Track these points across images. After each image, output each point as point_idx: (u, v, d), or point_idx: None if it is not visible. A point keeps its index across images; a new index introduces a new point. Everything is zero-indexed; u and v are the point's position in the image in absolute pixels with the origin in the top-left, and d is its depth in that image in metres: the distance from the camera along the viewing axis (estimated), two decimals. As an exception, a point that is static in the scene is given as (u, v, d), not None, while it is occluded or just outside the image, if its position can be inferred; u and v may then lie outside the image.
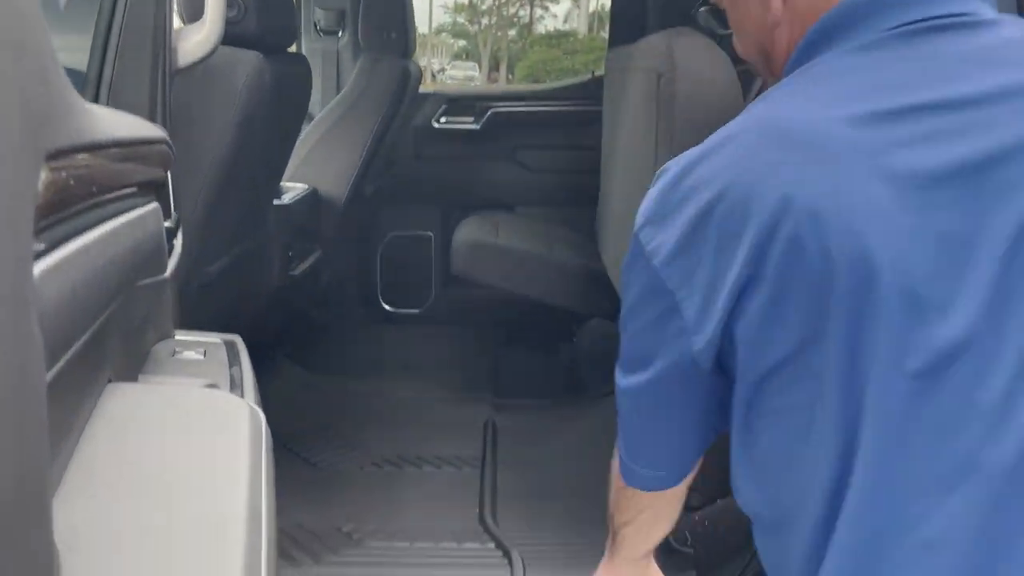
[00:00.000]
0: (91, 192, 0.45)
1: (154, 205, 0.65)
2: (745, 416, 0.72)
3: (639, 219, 0.73)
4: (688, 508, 1.55)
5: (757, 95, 1.77)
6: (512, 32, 29.03)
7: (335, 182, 2.36)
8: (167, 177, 0.78)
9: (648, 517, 1.01)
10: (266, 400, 2.30)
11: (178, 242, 0.87)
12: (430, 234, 3.02)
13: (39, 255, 0.36)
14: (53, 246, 0.38)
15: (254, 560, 0.43)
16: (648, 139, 1.53)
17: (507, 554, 1.60)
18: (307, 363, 2.49)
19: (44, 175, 0.35)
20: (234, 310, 1.92)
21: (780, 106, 0.69)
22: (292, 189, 2.24)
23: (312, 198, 2.24)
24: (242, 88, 1.47)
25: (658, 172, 0.76)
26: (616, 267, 1.97)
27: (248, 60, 1.48)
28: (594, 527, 1.69)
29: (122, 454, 0.50)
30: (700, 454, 0.86)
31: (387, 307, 3.02)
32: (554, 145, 3.03)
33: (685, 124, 1.45)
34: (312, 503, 1.79)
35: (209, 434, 0.55)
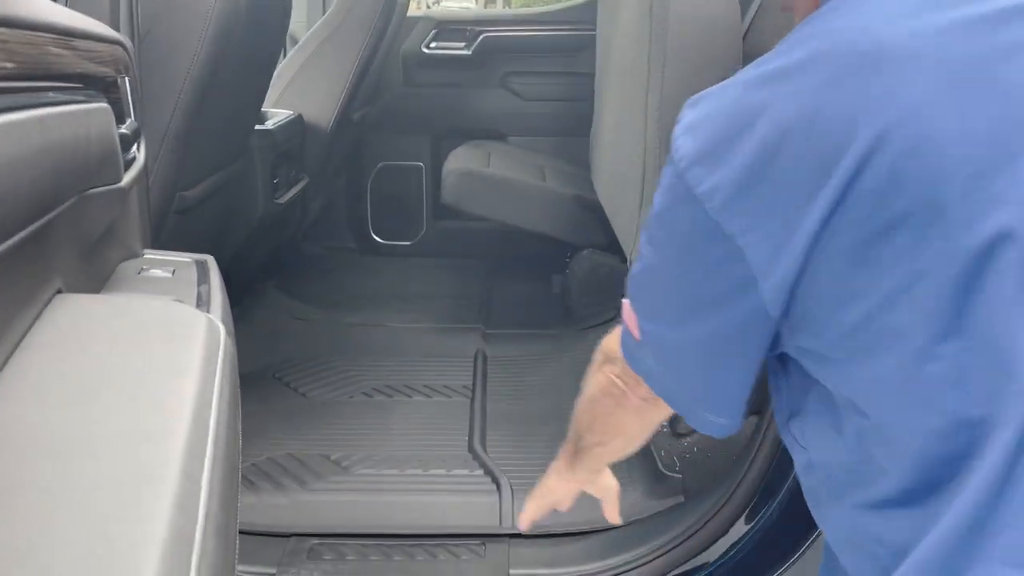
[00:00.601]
0: (6, 70, 0.41)
1: (102, 106, 0.61)
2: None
3: (682, 159, 0.64)
4: (677, 434, 1.55)
5: (755, 15, 1.69)
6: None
7: (321, 108, 2.29)
8: (121, 82, 0.73)
9: (622, 443, 0.99)
10: (254, 330, 2.28)
11: (140, 153, 0.83)
12: (420, 164, 2.96)
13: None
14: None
15: (194, 468, 0.40)
16: (640, 63, 1.47)
17: (496, 480, 1.59)
18: (296, 294, 2.46)
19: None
20: (218, 237, 1.88)
21: (857, 17, 0.59)
22: (276, 115, 2.18)
23: (297, 124, 2.18)
24: (214, 6, 1.40)
25: (692, 100, 0.67)
26: (608, 197, 1.92)
27: (220, -29, 1.41)
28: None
29: (61, 362, 0.47)
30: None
31: (377, 239, 2.98)
32: (547, 72, 2.95)
33: (678, 46, 1.38)
34: (300, 431, 1.78)
35: (159, 344, 0.52)
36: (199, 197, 1.61)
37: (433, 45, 2.91)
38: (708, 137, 0.63)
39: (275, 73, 2.30)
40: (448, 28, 2.91)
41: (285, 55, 2.47)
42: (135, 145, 0.79)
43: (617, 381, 0.89)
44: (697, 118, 0.65)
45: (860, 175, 0.55)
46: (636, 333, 0.77)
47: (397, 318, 2.38)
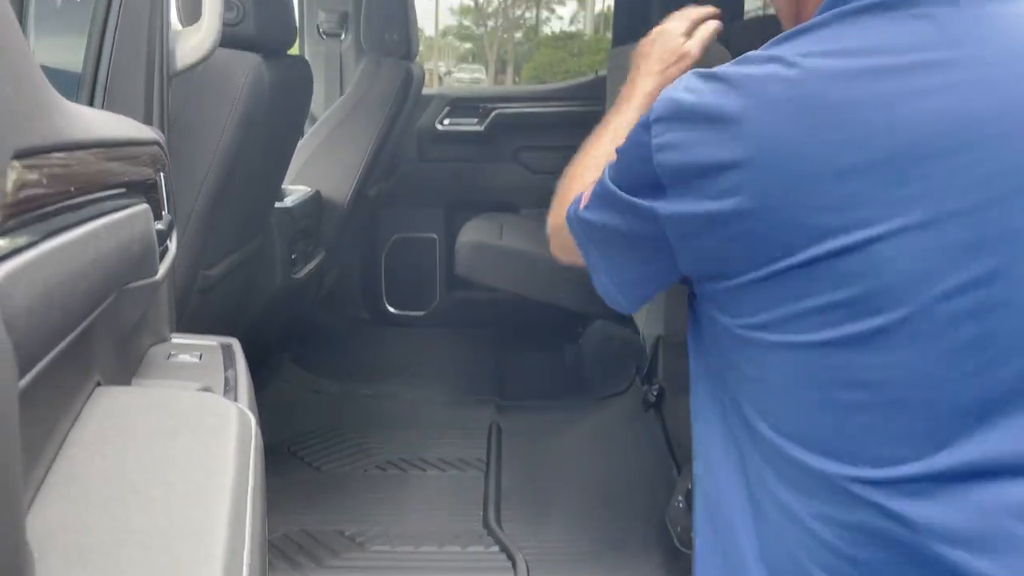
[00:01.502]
0: (69, 192, 0.44)
1: (143, 207, 0.64)
2: None
3: (655, 111, 0.71)
4: (692, 506, 1.54)
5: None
6: (518, 34, 29.03)
7: (338, 184, 2.35)
8: (158, 179, 0.77)
9: None
10: (269, 403, 2.30)
11: (172, 244, 0.86)
12: (434, 236, 3.01)
13: (6, 255, 0.35)
14: (25, 247, 0.37)
15: (235, 564, 0.42)
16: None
17: (511, 557, 1.59)
18: (311, 366, 2.48)
19: (13, 174, 0.34)
20: (237, 313, 1.91)
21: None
22: (295, 192, 2.23)
23: (315, 201, 2.23)
24: (241, 91, 1.46)
25: (702, 72, 0.71)
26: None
27: (247, 63, 1.48)
28: (599, 528, 1.68)
29: (105, 457, 0.50)
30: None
31: (391, 309, 3.01)
32: (558, 146, 3.01)
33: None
34: (315, 507, 1.78)
35: (195, 437, 0.54)
36: (220, 274, 1.65)
37: (447, 122, 2.99)
38: (688, 106, 0.70)
39: (295, 151, 2.37)
40: (461, 105, 3.00)
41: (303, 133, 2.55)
42: (168, 237, 0.83)
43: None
44: (700, 86, 0.70)
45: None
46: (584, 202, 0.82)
47: (411, 390, 2.40)
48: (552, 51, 20.49)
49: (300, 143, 2.42)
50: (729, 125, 0.66)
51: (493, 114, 2.99)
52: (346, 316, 2.93)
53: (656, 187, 0.71)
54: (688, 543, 1.54)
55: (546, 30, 26.92)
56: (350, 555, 1.61)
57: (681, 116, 0.69)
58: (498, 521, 1.72)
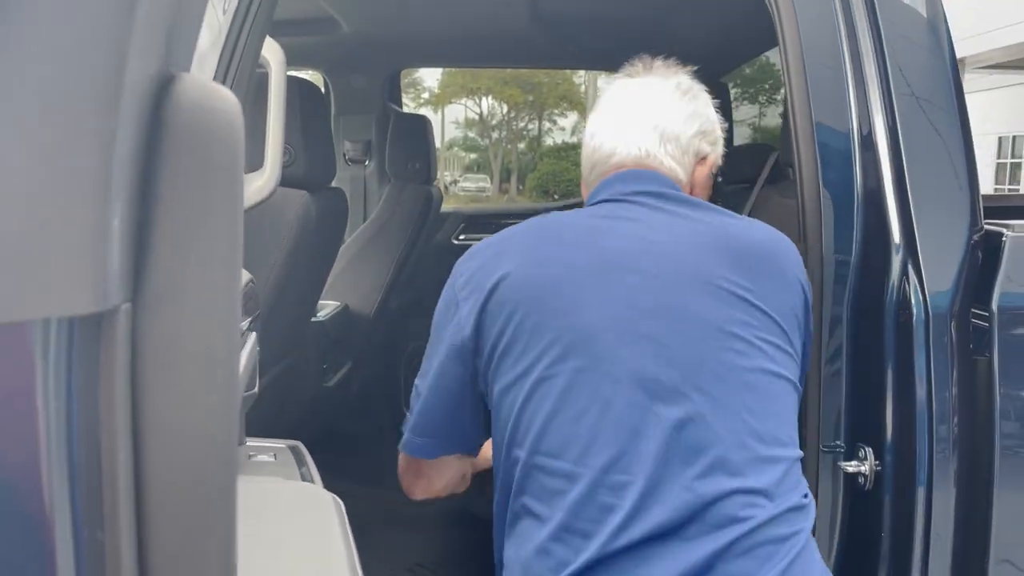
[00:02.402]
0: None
1: (254, 335, 0.81)
2: None
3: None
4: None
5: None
6: (521, 145, 30.08)
7: (365, 299, 2.54)
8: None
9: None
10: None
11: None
12: None
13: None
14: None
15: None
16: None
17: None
18: (336, 471, 2.60)
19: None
20: (273, 421, 2.06)
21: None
22: (326, 306, 2.42)
23: (344, 314, 2.42)
24: (292, 222, 1.66)
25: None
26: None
27: (297, 198, 1.69)
28: None
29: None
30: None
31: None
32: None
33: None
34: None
35: (306, 517, 0.69)
36: (264, 386, 1.81)
37: (462, 237, 3.21)
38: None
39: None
40: (475, 221, 3.23)
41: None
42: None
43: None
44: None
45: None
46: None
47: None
48: (554, 161, 21.23)
49: (331, 262, 2.63)
50: None
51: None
52: (370, 424, 3.06)
53: None
54: None
55: (548, 141, 27.87)
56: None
57: None
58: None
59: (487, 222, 3.24)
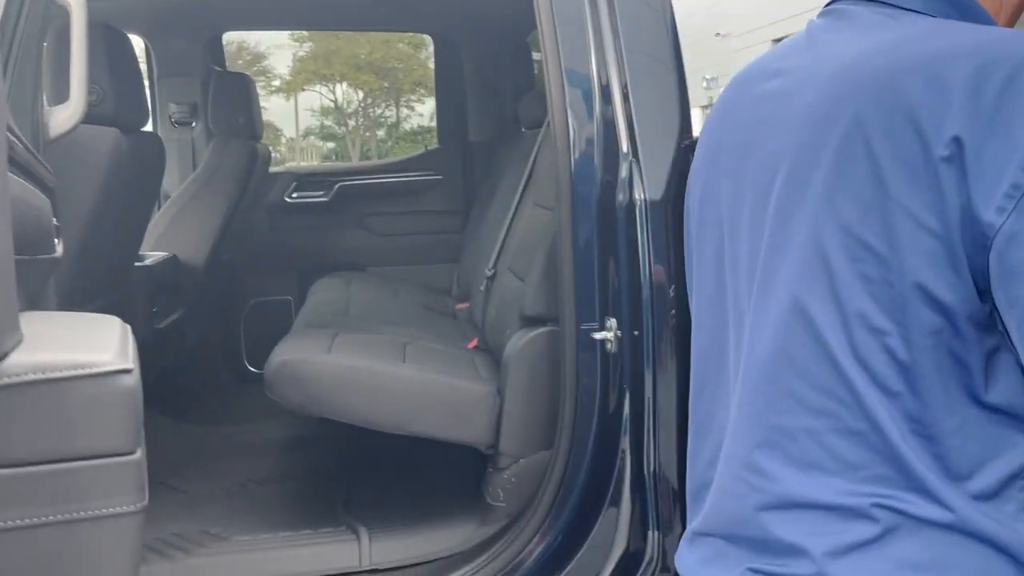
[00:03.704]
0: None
1: (46, 200, 0.97)
2: None
3: None
4: (498, 469, 1.91)
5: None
6: (381, 132, 29.83)
7: (195, 250, 2.65)
8: (50, 192, 1.09)
9: None
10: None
11: (60, 248, 1.18)
12: (289, 298, 3.32)
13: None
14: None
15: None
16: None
17: (355, 531, 1.89)
18: (174, 414, 2.70)
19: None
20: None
21: None
22: (154, 256, 2.52)
23: (173, 262, 2.53)
24: (103, 156, 1.79)
25: None
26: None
27: (108, 134, 1.81)
28: (429, 502, 2.00)
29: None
30: None
31: (251, 368, 3.27)
32: (398, 212, 3.44)
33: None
34: (184, 518, 2.01)
35: (91, 322, 0.87)
36: None
37: (295, 195, 3.36)
38: None
39: (153, 220, 2.67)
40: (308, 180, 3.38)
41: (160, 207, 2.85)
42: (57, 240, 1.15)
43: None
44: None
45: None
46: None
47: (273, 428, 2.65)
48: (411, 145, 21.29)
49: (158, 214, 2.73)
50: None
51: (337, 187, 3.38)
52: (209, 376, 3.16)
53: None
54: (496, 497, 1.90)
55: (406, 127, 27.79)
56: (215, 546, 1.86)
57: None
58: (347, 507, 2.02)
59: (319, 180, 3.40)
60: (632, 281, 1.61)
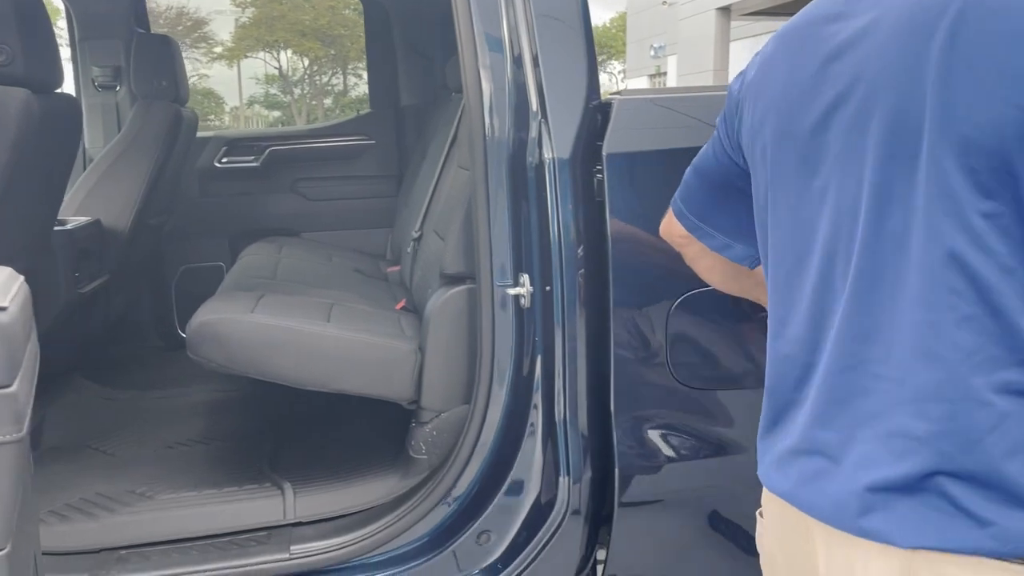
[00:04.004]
0: None
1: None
2: None
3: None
4: (421, 423, 1.96)
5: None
6: (328, 101, 29.33)
7: (118, 214, 2.63)
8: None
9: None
10: (65, 412, 2.51)
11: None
12: (221, 264, 3.31)
13: None
14: None
15: None
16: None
17: (280, 487, 1.93)
18: (103, 381, 2.70)
19: None
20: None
21: None
22: (76, 220, 2.49)
23: (95, 226, 2.50)
24: (13, 117, 1.76)
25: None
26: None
27: (18, 94, 1.79)
28: (353, 456, 2.05)
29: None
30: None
31: (183, 334, 3.25)
32: (330, 176, 3.44)
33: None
34: (109, 479, 2.03)
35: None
36: None
37: (225, 160, 3.33)
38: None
39: (75, 185, 2.63)
40: (238, 144, 3.36)
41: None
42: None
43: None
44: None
45: None
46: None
47: (201, 392, 2.66)
48: (354, 113, 21.05)
49: (81, 178, 2.69)
50: None
51: (268, 151, 3.36)
52: (139, 342, 3.15)
53: None
54: (419, 450, 1.96)
55: (353, 94, 27.38)
56: (140, 504, 1.89)
57: None
58: (273, 465, 2.06)
59: (249, 145, 3.37)
60: (543, 238, 1.67)
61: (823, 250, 0.92)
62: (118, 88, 3.15)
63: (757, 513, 1.13)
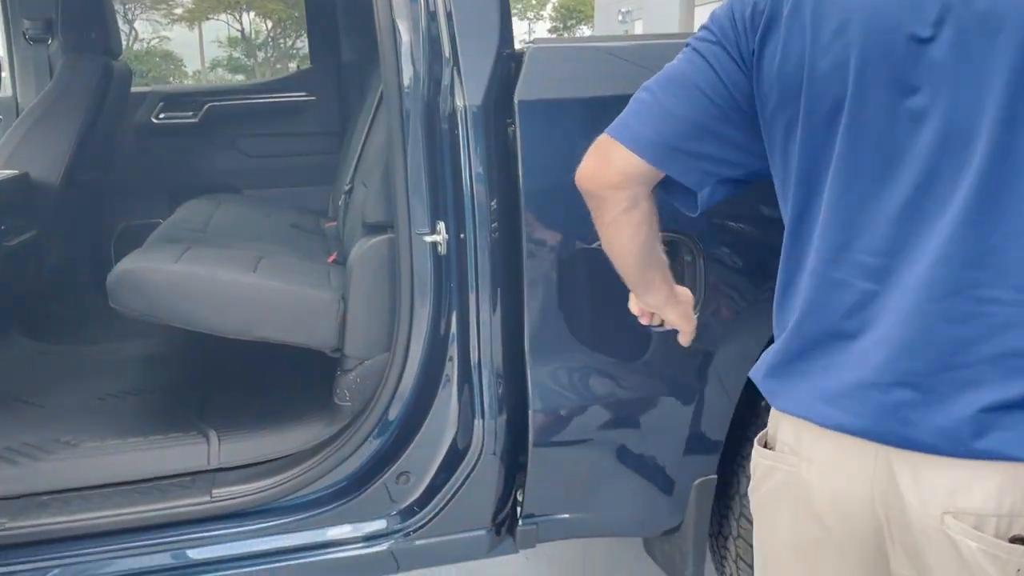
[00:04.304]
0: None
1: None
2: None
3: None
4: (344, 371, 1.99)
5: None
6: (293, 64, 28.75)
7: (48, 168, 2.60)
8: None
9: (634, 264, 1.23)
10: None
11: None
12: (160, 221, 3.28)
13: None
14: None
15: None
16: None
17: (205, 434, 1.95)
18: (39, 336, 2.69)
19: None
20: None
21: None
22: (2, 173, 2.46)
23: (22, 180, 2.48)
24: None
25: None
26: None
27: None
28: (276, 404, 2.07)
29: None
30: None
31: None
32: (271, 133, 3.41)
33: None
34: (36, 428, 2.04)
35: None
36: None
37: (162, 116, 3.29)
38: None
39: (2, 139, 2.60)
40: (175, 100, 3.32)
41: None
42: None
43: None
44: None
45: None
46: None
47: (137, 345, 2.65)
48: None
49: (8, 132, 2.65)
50: None
51: (207, 107, 3.33)
52: (75, 298, 3.12)
53: None
54: (343, 397, 1.99)
55: (318, 58, 26.82)
56: (64, 452, 1.90)
57: None
58: (201, 416, 2.08)
59: (188, 100, 3.33)
60: (456, 186, 1.69)
61: (917, 174, 0.89)
62: (50, 41, 3.09)
63: (761, 453, 1.09)
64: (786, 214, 1.05)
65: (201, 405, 2.15)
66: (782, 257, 1.07)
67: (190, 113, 3.31)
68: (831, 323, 0.97)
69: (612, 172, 1.11)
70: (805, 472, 1.02)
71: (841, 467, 0.98)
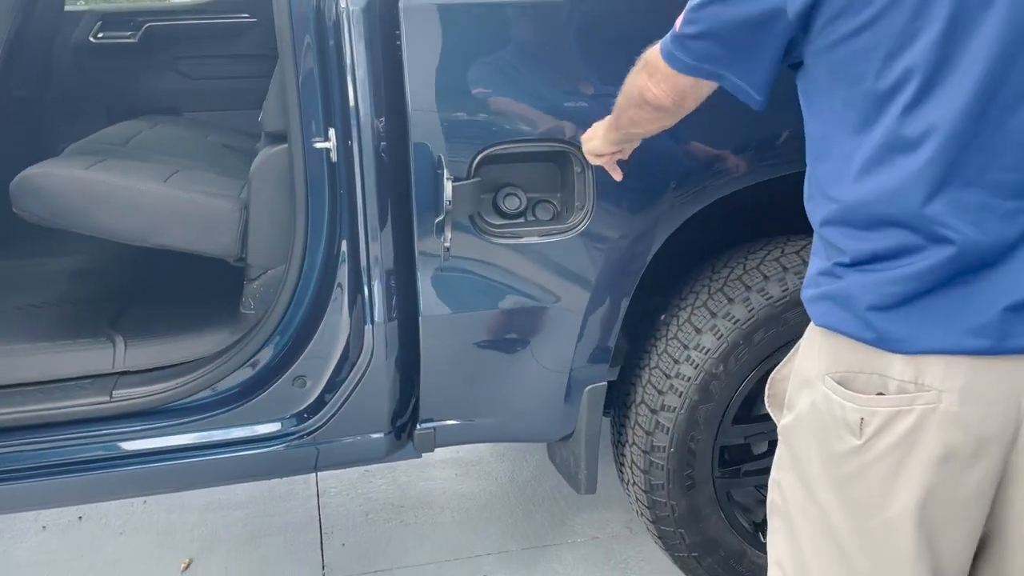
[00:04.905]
0: None
1: None
2: None
3: None
4: (250, 280, 2.02)
5: None
6: None
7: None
8: None
9: (637, 136, 1.43)
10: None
11: None
12: None
13: None
14: None
15: None
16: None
17: (112, 340, 1.99)
18: None
19: None
20: None
21: None
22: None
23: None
24: None
25: None
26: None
27: None
28: (187, 312, 2.11)
29: None
30: None
31: None
32: (212, 55, 3.38)
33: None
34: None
35: None
36: None
37: (100, 36, 3.25)
38: None
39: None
40: (113, 19, 3.27)
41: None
42: None
43: (650, 86, 1.20)
44: None
45: None
46: (678, 27, 1.11)
47: (65, 259, 2.63)
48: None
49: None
50: None
51: (146, 27, 3.29)
52: (11, 214, 3.11)
53: None
54: (248, 306, 2.01)
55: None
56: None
57: None
58: (113, 324, 2.11)
59: (126, 20, 3.29)
60: (343, 90, 1.69)
61: (990, 58, 0.92)
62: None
63: (875, 402, 1.03)
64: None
65: (116, 315, 2.18)
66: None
67: (129, 33, 3.28)
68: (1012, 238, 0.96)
69: (695, 101, 1.22)
70: (947, 403, 0.99)
71: (985, 393, 0.98)
